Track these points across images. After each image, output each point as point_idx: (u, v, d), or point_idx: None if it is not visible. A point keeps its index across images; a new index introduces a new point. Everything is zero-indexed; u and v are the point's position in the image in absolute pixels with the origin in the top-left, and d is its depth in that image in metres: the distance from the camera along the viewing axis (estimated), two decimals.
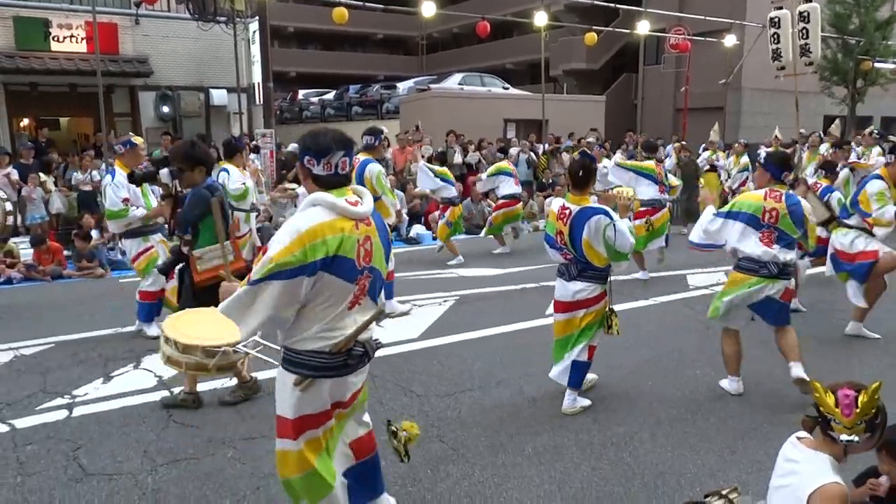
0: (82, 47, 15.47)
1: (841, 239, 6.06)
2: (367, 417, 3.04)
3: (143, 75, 16.24)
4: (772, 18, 12.75)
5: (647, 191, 8.52)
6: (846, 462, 2.40)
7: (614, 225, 4.21)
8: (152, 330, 5.98)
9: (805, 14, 12.23)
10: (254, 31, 16.45)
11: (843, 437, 2.30)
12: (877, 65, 21.52)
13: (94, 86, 12.61)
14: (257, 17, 15.77)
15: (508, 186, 10.39)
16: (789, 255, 4.52)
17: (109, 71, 15.01)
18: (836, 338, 6.05)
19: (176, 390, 4.74)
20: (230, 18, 15.70)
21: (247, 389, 4.64)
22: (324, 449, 2.77)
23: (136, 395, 4.77)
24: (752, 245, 4.52)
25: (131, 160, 6.10)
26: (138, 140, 6.28)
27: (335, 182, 2.67)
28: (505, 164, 11.00)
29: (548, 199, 9.25)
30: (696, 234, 4.87)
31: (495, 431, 3.92)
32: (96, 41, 11.62)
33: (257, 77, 16.58)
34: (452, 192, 10.05)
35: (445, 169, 10.44)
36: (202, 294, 4.47)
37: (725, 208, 4.75)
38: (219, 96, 17.40)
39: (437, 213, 10.72)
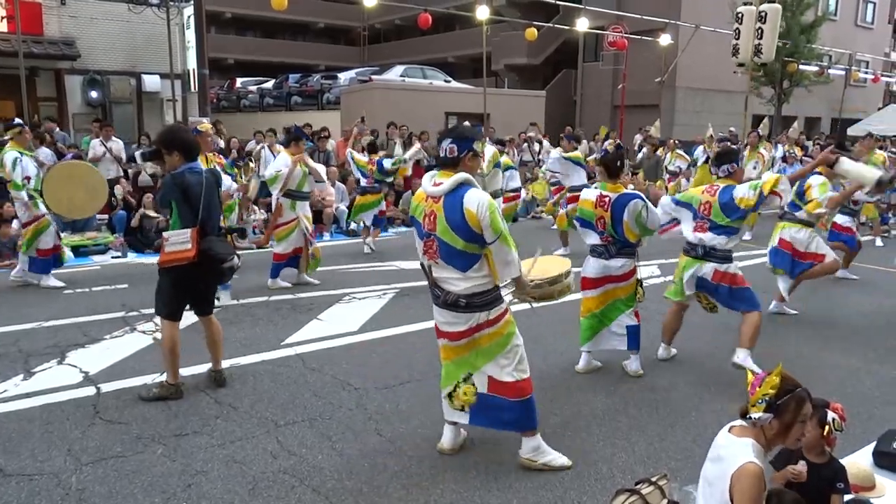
0: (2, 27, 14.64)
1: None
2: (509, 371, 3.56)
3: (70, 58, 15.49)
4: (737, 14, 12.53)
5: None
6: (770, 452, 2.47)
7: (647, 206, 4.75)
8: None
9: (763, 14, 11.99)
10: (189, 16, 15.90)
11: (752, 414, 2.42)
12: (801, 67, 22.47)
13: (15, 68, 12.02)
14: (192, 1, 15.28)
15: (580, 178, 10.24)
16: (717, 241, 4.91)
17: (32, 52, 14.26)
18: None
19: (104, 387, 4.58)
20: (163, 1, 15.15)
21: (171, 390, 4.48)
22: (443, 359, 3.71)
23: (59, 391, 4.56)
24: (688, 231, 5.08)
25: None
26: (204, 127, 6.64)
27: (441, 162, 3.53)
28: (580, 155, 10.57)
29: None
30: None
31: (433, 424, 3.92)
32: (17, 21, 11.08)
33: (192, 63, 16.05)
34: (584, 178, 10.13)
35: (578, 153, 10.39)
36: (164, 274, 4.45)
37: (678, 196, 5.33)
38: (151, 82, 16.77)
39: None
